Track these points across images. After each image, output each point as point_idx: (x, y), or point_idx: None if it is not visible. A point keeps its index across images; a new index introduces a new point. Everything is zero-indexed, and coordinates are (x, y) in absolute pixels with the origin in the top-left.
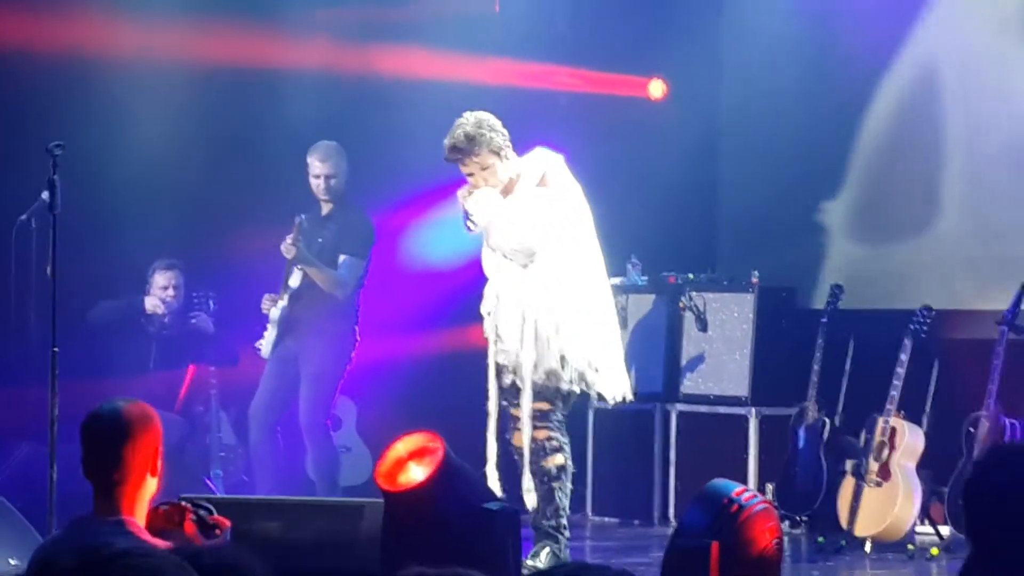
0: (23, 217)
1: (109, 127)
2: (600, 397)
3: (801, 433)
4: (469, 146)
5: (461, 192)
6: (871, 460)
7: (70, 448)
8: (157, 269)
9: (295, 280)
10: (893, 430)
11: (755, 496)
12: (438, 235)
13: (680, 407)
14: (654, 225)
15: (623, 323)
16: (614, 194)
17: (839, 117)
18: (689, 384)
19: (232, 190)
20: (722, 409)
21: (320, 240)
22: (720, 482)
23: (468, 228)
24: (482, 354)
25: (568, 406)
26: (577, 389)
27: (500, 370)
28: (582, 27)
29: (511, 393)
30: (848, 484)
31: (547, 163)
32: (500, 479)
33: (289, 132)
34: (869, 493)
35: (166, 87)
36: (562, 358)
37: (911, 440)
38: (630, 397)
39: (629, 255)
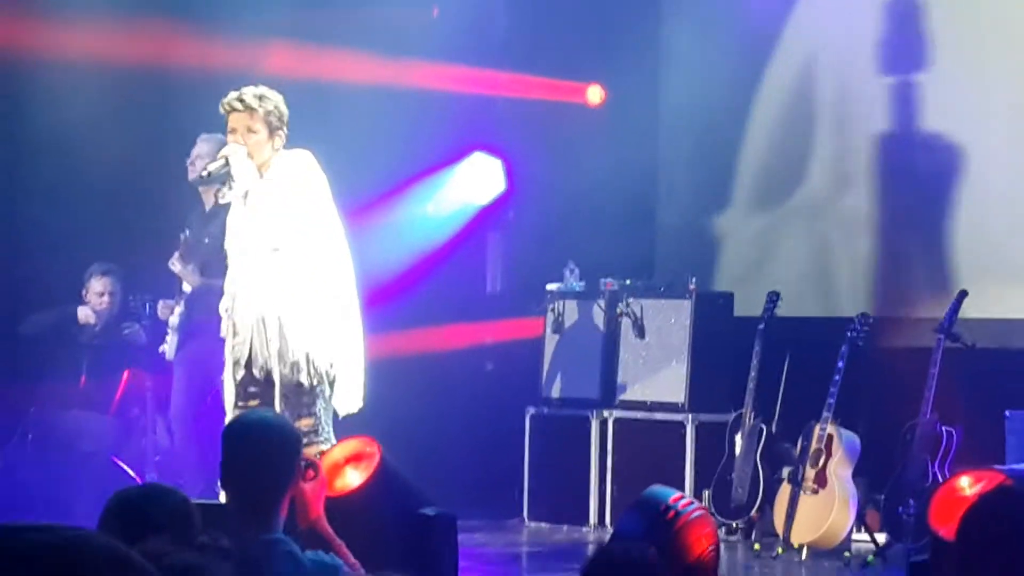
0: None
1: (41, 130)
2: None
3: (738, 440)
4: (254, 103)
5: (229, 148)
6: (807, 467)
7: (3, 451)
8: (93, 274)
9: (187, 286)
10: (830, 437)
11: (692, 503)
12: (381, 239)
13: (617, 413)
14: (592, 231)
15: (559, 328)
16: (552, 200)
17: (776, 124)
18: (627, 390)
19: (171, 193)
20: (659, 415)
21: (207, 240)
22: (657, 488)
23: (220, 187)
24: (421, 359)
25: (324, 408)
26: (326, 390)
27: (236, 366)
28: (520, 32)
29: (247, 388)
30: (784, 491)
31: (298, 158)
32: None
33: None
34: (805, 500)
35: (101, 88)
36: (306, 355)
37: (847, 447)
38: (354, 411)
39: (567, 261)
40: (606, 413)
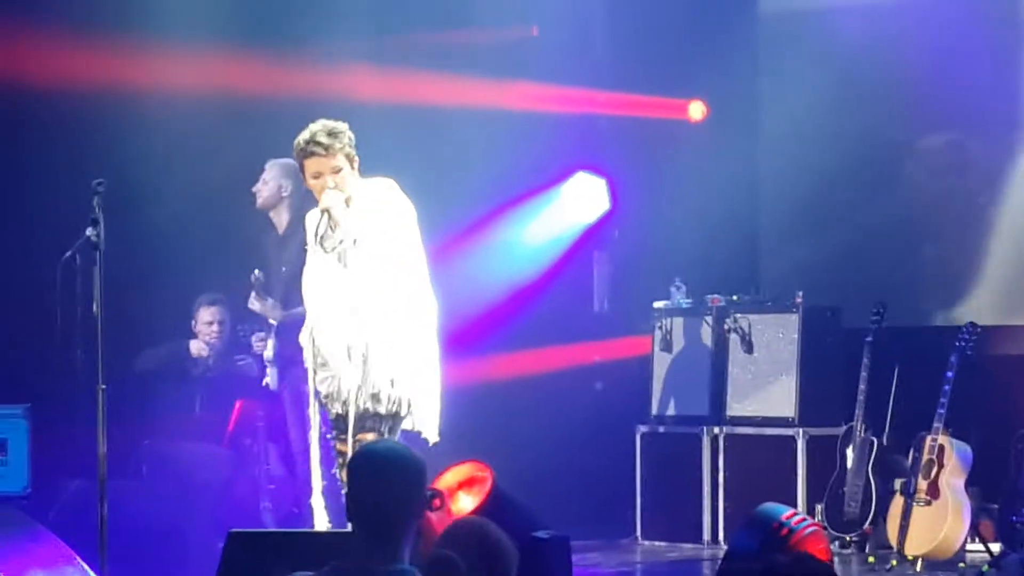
0: (67, 254)
1: (151, 163)
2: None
3: (849, 453)
4: (330, 141)
5: (327, 200)
6: (920, 478)
7: (119, 484)
8: (202, 304)
9: (273, 320)
10: (941, 448)
11: (804, 519)
12: (488, 260)
13: (728, 429)
14: (697, 247)
15: (667, 346)
16: (656, 217)
17: (880, 135)
18: (736, 406)
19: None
20: (769, 430)
21: (284, 269)
22: (770, 506)
23: (327, 243)
24: (530, 381)
25: (395, 432)
26: (402, 412)
27: (324, 401)
28: (620, 50)
29: (337, 424)
30: (897, 503)
31: (383, 185)
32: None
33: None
34: (918, 512)
35: (207, 120)
36: (391, 381)
37: (959, 457)
38: (434, 440)
39: (673, 278)
40: (716, 430)
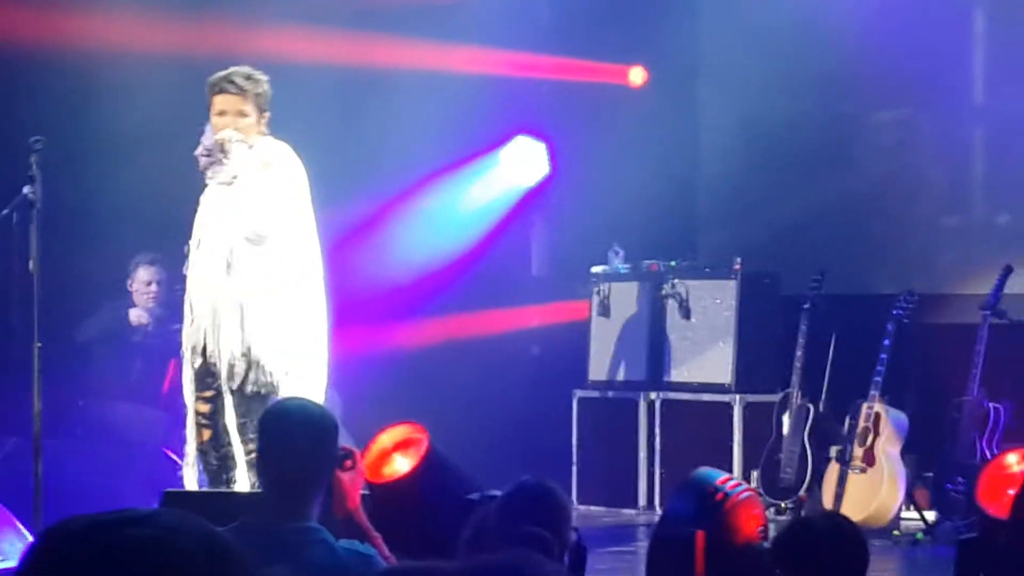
0: (3, 212)
1: (89, 121)
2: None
3: (785, 420)
4: (245, 84)
5: (225, 133)
6: (855, 446)
7: (54, 443)
8: (140, 264)
9: None
10: (877, 416)
11: (740, 484)
12: (426, 223)
13: (664, 395)
14: (636, 213)
15: (605, 311)
16: (595, 182)
17: (818, 100)
18: (673, 372)
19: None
20: (706, 396)
21: None
22: (705, 471)
23: (210, 171)
24: (467, 344)
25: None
26: (262, 391)
27: (192, 352)
28: (562, 15)
29: (204, 378)
30: (833, 470)
31: (283, 148)
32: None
33: (276, 123)
34: (854, 479)
35: (150, 79)
36: (264, 352)
37: (895, 425)
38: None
39: (611, 243)
40: (653, 395)
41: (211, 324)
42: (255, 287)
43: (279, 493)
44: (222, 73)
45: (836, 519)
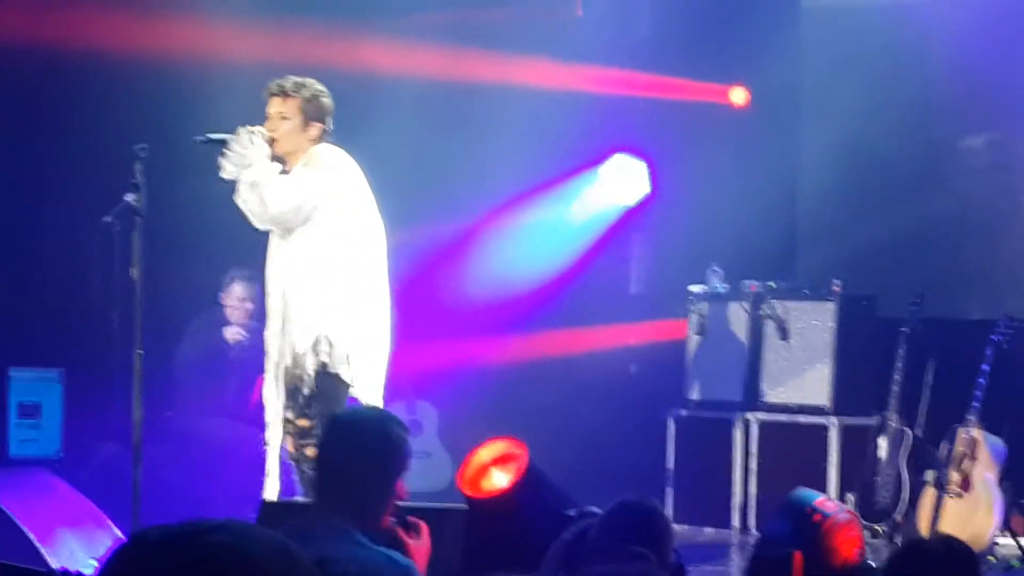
0: (107, 219)
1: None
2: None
3: (882, 443)
4: (292, 89)
5: (246, 129)
6: (952, 471)
7: (153, 449)
8: (236, 279)
9: None
10: (974, 441)
11: (838, 506)
12: (524, 239)
13: (761, 416)
14: (735, 233)
15: (703, 331)
16: (695, 201)
17: (915, 123)
18: (770, 393)
19: None
20: (803, 418)
21: None
22: (803, 491)
23: (224, 166)
24: (564, 361)
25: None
26: (336, 371)
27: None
28: (664, 33)
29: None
30: (929, 495)
31: (333, 150)
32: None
33: (375, 136)
34: (950, 504)
35: (253, 91)
36: (317, 339)
37: (992, 451)
38: (376, 403)
39: (710, 262)
40: (750, 416)
41: (282, 328)
42: (301, 279)
43: (331, 496)
44: (283, 79)
45: (951, 542)
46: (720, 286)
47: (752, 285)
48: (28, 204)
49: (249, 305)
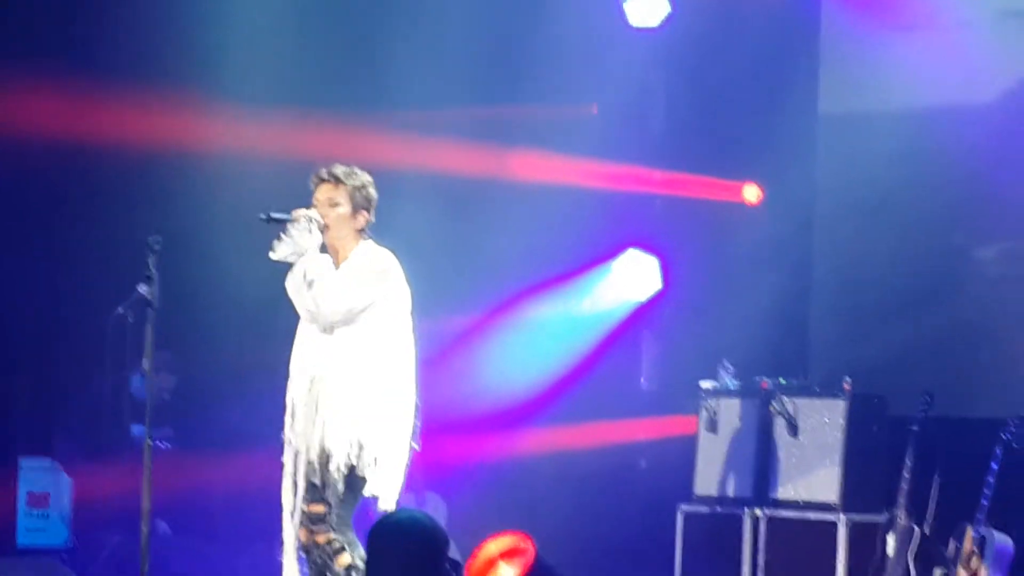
0: (119, 310)
1: (208, 221)
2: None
3: (890, 540)
4: (342, 176)
5: (301, 212)
6: (960, 569)
7: (160, 540)
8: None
9: None
10: (982, 539)
11: None
12: (536, 333)
13: (770, 512)
14: (747, 329)
15: (713, 427)
16: (707, 298)
17: (938, 238)
18: (779, 489)
19: None
20: (811, 515)
21: None
22: None
23: (277, 248)
24: (574, 455)
25: (350, 499)
26: (362, 474)
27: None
28: (677, 130)
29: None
30: None
31: (383, 253)
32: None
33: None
34: None
35: (265, 180)
36: (349, 441)
37: (1000, 550)
38: (390, 507)
39: (721, 359)
40: (759, 512)
41: (310, 419)
42: (339, 378)
43: None
44: (332, 167)
45: None
46: (731, 382)
47: (763, 382)
48: (44, 294)
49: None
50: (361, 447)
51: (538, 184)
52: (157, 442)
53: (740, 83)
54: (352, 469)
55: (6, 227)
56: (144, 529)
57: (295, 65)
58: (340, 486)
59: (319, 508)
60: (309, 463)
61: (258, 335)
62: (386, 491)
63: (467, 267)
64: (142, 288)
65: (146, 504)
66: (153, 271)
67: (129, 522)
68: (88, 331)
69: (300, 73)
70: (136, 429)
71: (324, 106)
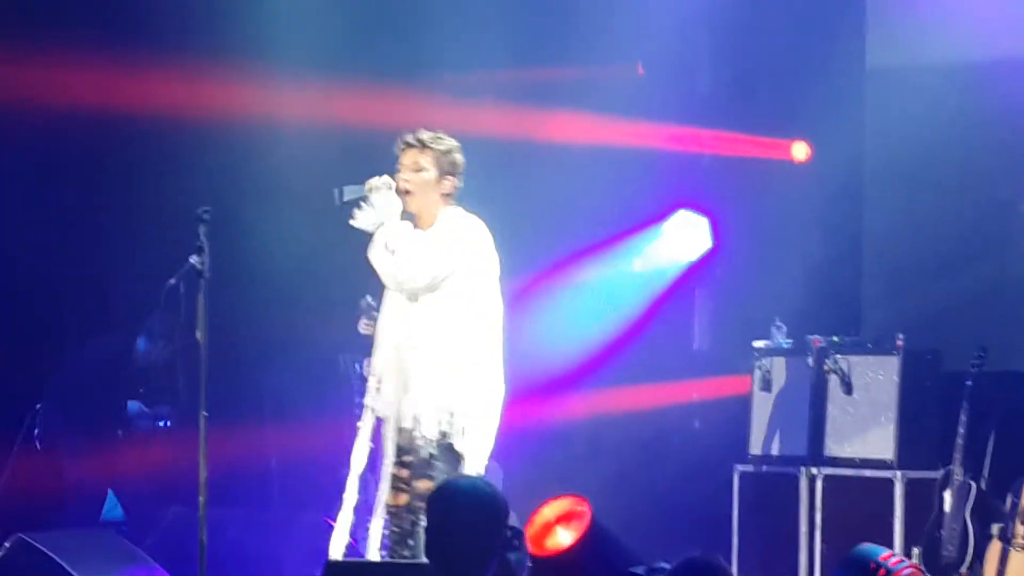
0: (172, 281)
1: (257, 191)
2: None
3: (947, 496)
4: (429, 140)
5: (376, 180)
6: (1018, 523)
7: (217, 512)
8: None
9: None
10: None
11: (902, 560)
12: (587, 296)
13: (825, 470)
14: (799, 287)
15: (767, 386)
16: (758, 257)
17: (987, 192)
18: (834, 447)
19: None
20: (867, 472)
21: None
22: (866, 547)
23: (359, 216)
24: (627, 418)
25: (439, 466)
26: (451, 441)
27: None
28: (725, 89)
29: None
30: (995, 548)
31: (472, 219)
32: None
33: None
34: (1015, 557)
35: (315, 150)
36: (438, 408)
37: None
38: (481, 471)
39: (774, 318)
40: (814, 470)
41: (400, 387)
42: (427, 346)
43: (446, 571)
44: (419, 131)
45: None
46: (784, 341)
47: (816, 340)
48: (94, 267)
49: None
50: (452, 415)
51: (583, 146)
52: (159, 423)
53: (786, 39)
54: (445, 436)
55: (52, 201)
56: (201, 499)
57: (336, 31)
58: (428, 451)
59: (428, 484)
60: (401, 430)
61: (293, 307)
62: (475, 457)
63: (517, 231)
64: (193, 259)
65: (203, 475)
66: (204, 241)
67: (188, 495)
68: (141, 302)
69: (341, 39)
70: (132, 406)
71: (365, 72)
